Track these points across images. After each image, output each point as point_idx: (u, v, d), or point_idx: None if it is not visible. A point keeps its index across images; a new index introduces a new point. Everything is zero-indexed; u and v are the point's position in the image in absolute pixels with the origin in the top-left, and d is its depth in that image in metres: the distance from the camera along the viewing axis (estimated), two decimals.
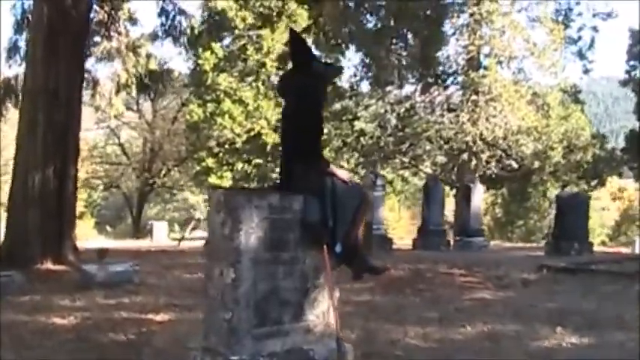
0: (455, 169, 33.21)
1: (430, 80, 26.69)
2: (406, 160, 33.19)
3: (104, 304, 8.43)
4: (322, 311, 5.33)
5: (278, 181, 5.52)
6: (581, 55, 31.51)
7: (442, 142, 30.64)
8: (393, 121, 31.78)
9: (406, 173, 37.10)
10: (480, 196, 19.09)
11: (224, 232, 4.89)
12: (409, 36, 27.05)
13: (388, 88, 31.31)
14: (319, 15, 26.41)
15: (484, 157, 30.83)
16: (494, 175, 30.61)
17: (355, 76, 31.57)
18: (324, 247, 5.17)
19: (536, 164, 30.65)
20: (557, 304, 9.29)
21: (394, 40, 27.57)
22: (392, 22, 23.87)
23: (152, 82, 27.64)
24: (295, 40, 5.51)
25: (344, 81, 31.05)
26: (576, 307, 9.03)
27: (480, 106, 29.40)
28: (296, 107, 5.21)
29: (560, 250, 15.57)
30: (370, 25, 27.59)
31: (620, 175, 35.78)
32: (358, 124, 32.84)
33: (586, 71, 31.68)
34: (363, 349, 6.22)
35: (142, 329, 6.97)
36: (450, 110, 31.16)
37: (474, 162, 30.62)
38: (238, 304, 4.84)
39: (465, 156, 30.69)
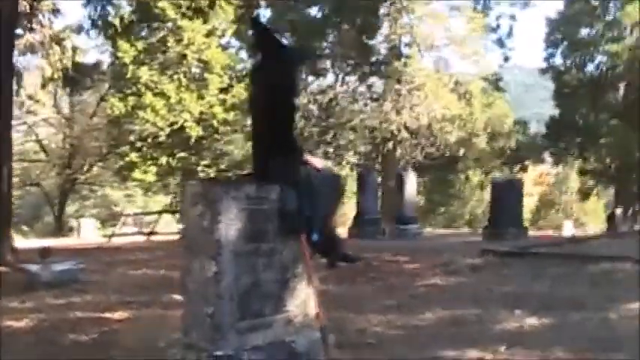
0: (379, 157, 33.52)
1: (366, 69, 26.67)
2: (330, 150, 33.23)
3: (55, 304, 8.15)
4: (301, 301, 5.25)
5: (250, 171, 5.38)
6: (500, 43, 32.10)
7: (367, 131, 30.82)
8: (317, 112, 31.81)
9: (329, 163, 37.06)
10: (414, 184, 19.20)
11: (203, 224, 4.74)
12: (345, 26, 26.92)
13: (311, 78, 31.33)
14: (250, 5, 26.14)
15: (408, 145, 31.24)
16: (417, 164, 30.96)
17: None
18: (302, 236, 5.08)
19: (461, 152, 31.13)
20: (510, 288, 9.38)
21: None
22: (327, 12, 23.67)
23: (80, 76, 26.89)
24: (259, 29, 5.35)
25: None
26: (530, 290, 9.13)
27: (404, 95, 29.71)
28: (268, 95, 5.08)
29: (497, 235, 15.78)
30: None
31: (542, 161, 36.67)
32: None
33: (506, 59, 32.28)
34: (334, 340, 6.14)
35: (102, 328, 6.76)
36: (373, 100, 31.42)
37: (399, 151, 30.96)
38: (221, 297, 4.71)
39: (390, 145, 30.99)
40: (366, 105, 30.82)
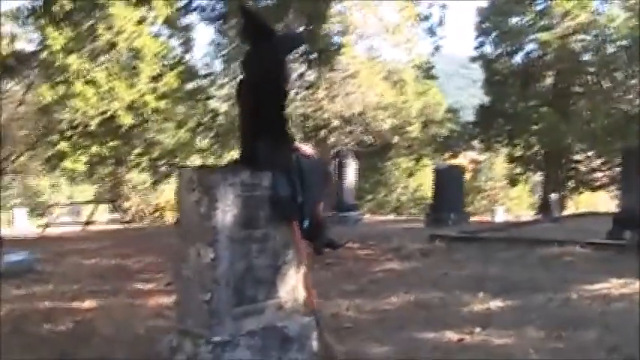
0: (309, 145, 33.57)
1: (313, 57, 26.62)
2: None
3: (20, 294, 7.99)
4: (291, 287, 5.29)
5: (239, 158, 5.37)
6: (431, 32, 32.47)
7: (301, 119, 30.87)
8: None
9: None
10: (353, 171, 19.32)
11: (199, 211, 4.74)
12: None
13: None
14: None
15: (341, 133, 31.45)
16: (350, 151, 31.07)
17: (208, 54, 31.24)
18: (294, 222, 5.13)
19: (395, 139, 31.45)
20: (467, 272, 9.59)
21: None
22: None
23: (19, 64, 26.14)
24: (248, 15, 5.33)
25: (197, 60, 30.75)
26: (485, 273, 9.35)
27: (338, 83, 29.87)
28: (259, 81, 5.08)
29: (439, 221, 16.03)
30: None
31: (473, 148, 37.30)
32: (212, 104, 32.60)
33: (437, 48, 32.67)
34: None
35: (76, 318, 6.67)
36: (306, 88, 31.50)
37: (332, 139, 31.14)
38: (218, 283, 4.72)
39: (323, 133, 31.14)
40: (298, 93, 30.79)
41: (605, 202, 49.37)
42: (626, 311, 7.16)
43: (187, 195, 4.81)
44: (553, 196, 24.79)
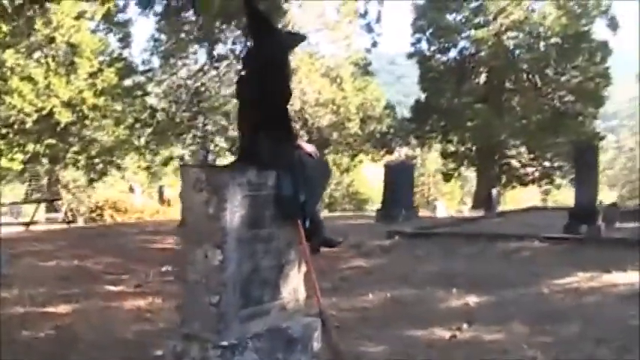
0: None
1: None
2: (200, 134, 32.82)
3: None
4: (293, 287, 5.25)
5: (240, 155, 5.29)
6: (369, 28, 32.46)
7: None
8: (186, 97, 31.39)
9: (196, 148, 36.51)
10: None
11: (208, 211, 4.64)
12: None
13: (181, 62, 30.89)
14: None
15: None
16: None
17: (146, 50, 30.79)
18: (298, 221, 5.08)
19: (335, 135, 31.50)
20: (434, 268, 9.66)
21: None
22: None
23: None
24: (251, 11, 5.24)
25: (134, 56, 30.35)
26: (452, 269, 9.45)
27: None
28: (261, 80, 5.01)
29: (391, 217, 16.08)
30: None
31: (409, 144, 37.57)
32: (150, 100, 32.19)
33: (374, 44, 32.65)
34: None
35: (54, 323, 6.49)
36: None
37: None
38: (226, 286, 4.64)
39: None
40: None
41: (530, 197, 50.68)
42: (600, 304, 7.34)
43: (194, 195, 4.70)
44: (494, 191, 25.17)
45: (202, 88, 31.30)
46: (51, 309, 7.16)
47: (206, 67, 31.44)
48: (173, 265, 9.60)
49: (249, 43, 5.81)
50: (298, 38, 5.41)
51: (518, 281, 8.43)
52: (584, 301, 7.47)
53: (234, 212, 4.66)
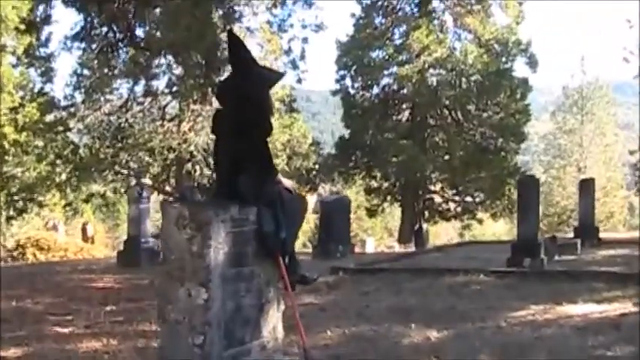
0: (169, 179, 33.03)
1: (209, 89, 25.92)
2: (124, 171, 32.16)
3: None
4: (273, 326, 5.15)
5: (218, 191, 5.15)
6: (294, 65, 32.56)
7: (166, 152, 30.25)
8: (110, 132, 30.81)
9: (118, 185, 35.63)
10: None
11: (192, 249, 4.51)
12: None
13: (105, 98, 30.34)
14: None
15: (204, 166, 31.10)
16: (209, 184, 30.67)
17: (69, 85, 30.13)
18: (280, 258, 4.98)
19: None
20: (386, 303, 9.57)
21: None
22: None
23: None
24: (234, 43, 5.14)
25: (57, 90, 29.68)
26: (405, 304, 9.38)
27: (203, 115, 29.52)
28: (243, 115, 4.90)
29: (328, 253, 15.99)
30: None
31: (333, 181, 37.65)
32: (72, 136, 31.48)
33: (299, 81, 32.73)
34: None
35: None
36: (169, 120, 30.99)
37: (198, 172, 30.74)
38: (210, 326, 4.51)
39: (189, 166, 30.69)
40: (162, 125, 30.21)
41: (446, 231, 51.47)
42: (560, 336, 7.38)
43: (177, 232, 4.56)
44: (425, 226, 25.40)
45: (126, 125, 30.75)
46: (2, 353, 6.81)
47: (129, 104, 30.94)
48: (117, 305, 9.32)
49: (222, 78, 5.60)
50: (279, 74, 5.31)
51: (475, 315, 8.42)
52: (544, 333, 7.49)
53: (218, 249, 4.55)
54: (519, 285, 10.53)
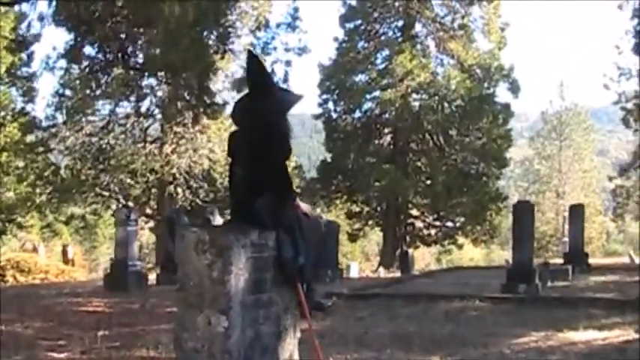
0: (150, 201, 32.83)
1: (201, 110, 25.79)
2: (106, 193, 31.89)
3: None
4: (289, 354, 5.02)
5: (235, 214, 5.02)
6: None
7: (148, 174, 30.07)
8: (92, 154, 30.55)
9: (98, 207, 35.31)
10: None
11: (212, 275, 4.37)
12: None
13: (90, 118, 30.14)
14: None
15: (187, 189, 30.94)
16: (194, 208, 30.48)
17: (50, 105, 29.91)
18: (299, 285, 4.86)
19: None
20: (384, 329, 9.44)
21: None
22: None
23: None
24: (254, 63, 5.03)
25: (38, 110, 29.47)
26: (404, 330, 9.25)
27: (187, 138, 29.43)
28: (261, 137, 4.79)
29: (317, 278, 15.81)
30: None
31: (314, 205, 37.49)
32: (54, 157, 31.23)
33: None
34: None
35: None
36: (152, 142, 30.85)
37: (181, 194, 30.56)
38: (230, 355, 4.37)
39: (171, 188, 30.53)
40: (144, 147, 30.07)
41: (425, 256, 51.44)
42: None
43: (197, 258, 4.42)
44: (410, 251, 25.34)
45: (108, 146, 30.52)
46: None
47: (111, 125, 30.75)
48: (110, 330, 9.14)
49: (237, 98, 5.49)
50: (297, 97, 5.19)
51: (477, 341, 8.31)
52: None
53: (239, 276, 4.43)
54: (516, 311, 10.46)
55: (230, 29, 20.28)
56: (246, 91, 5.25)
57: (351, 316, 10.82)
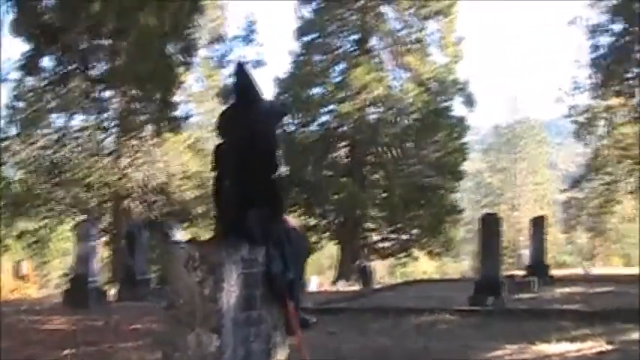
0: (105, 215, 32.36)
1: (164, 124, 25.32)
2: (60, 207, 31.34)
3: None
4: None
5: (222, 229, 4.90)
6: None
7: (104, 187, 29.66)
8: (45, 168, 30.02)
9: (52, 221, 34.67)
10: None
11: (203, 292, 4.26)
12: None
13: (44, 131, 29.64)
14: None
15: (142, 202, 30.60)
16: (151, 222, 30.11)
17: (2, 118, 29.32)
18: (288, 300, 4.76)
19: (201, 209, 30.86)
20: (357, 344, 9.36)
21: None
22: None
23: None
24: (242, 74, 4.92)
25: None
26: (379, 345, 9.19)
27: (143, 151, 29.11)
28: (250, 151, 4.69)
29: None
30: None
31: None
32: (6, 171, 30.60)
33: None
34: None
35: None
36: (107, 155, 30.46)
37: (138, 208, 30.20)
38: None
39: (126, 202, 30.16)
40: (99, 161, 29.64)
41: (377, 268, 51.32)
42: None
43: (187, 275, 4.30)
44: (371, 264, 25.29)
45: (62, 160, 30.01)
46: None
47: (65, 138, 30.25)
48: (77, 349, 8.92)
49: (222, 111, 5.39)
50: (285, 109, 5.09)
51: (454, 355, 8.30)
52: None
53: (231, 293, 4.33)
54: (487, 324, 10.46)
55: (193, 42, 20.09)
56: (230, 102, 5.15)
57: (321, 331, 10.65)
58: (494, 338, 9.24)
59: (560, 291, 15.03)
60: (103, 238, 33.46)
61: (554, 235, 55.83)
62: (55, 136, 30.01)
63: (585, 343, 8.76)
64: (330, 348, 9.19)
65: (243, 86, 4.85)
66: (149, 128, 27.34)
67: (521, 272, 18.90)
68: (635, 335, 9.07)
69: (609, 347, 8.39)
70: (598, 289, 14.92)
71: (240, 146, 4.73)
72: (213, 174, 4.98)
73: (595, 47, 27.83)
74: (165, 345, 4.44)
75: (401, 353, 8.53)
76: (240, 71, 4.96)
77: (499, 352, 8.44)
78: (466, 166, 55.51)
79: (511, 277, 14.66)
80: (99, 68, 21.83)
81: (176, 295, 4.38)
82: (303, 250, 4.97)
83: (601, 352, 8.15)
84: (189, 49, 19.84)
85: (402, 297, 15.27)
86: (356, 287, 22.65)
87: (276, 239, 4.68)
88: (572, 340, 8.94)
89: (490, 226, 12.36)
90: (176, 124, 25.19)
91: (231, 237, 4.62)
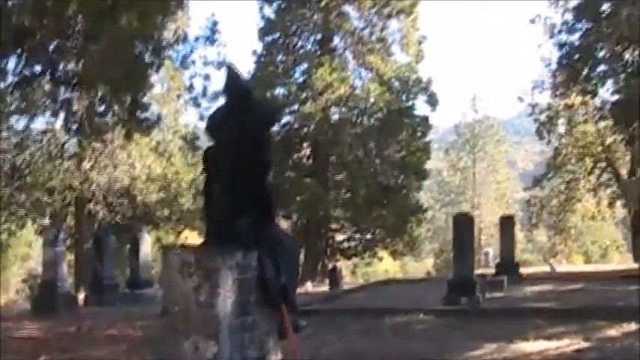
0: (66, 219, 31.96)
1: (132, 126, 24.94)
2: (22, 211, 30.87)
3: None
4: None
5: (213, 234, 4.82)
6: (196, 102, 32.24)
7: (67, 191, 29.25)
8: (5, 172, 29.52)
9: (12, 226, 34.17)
10: (148, 246, 18.50)
11: (199, 299, 4.20)
12: None
13: (3, 135, 29.13)
14: None
15: (105, 206, 30.27)
16: (115, 226, 29.81)
17: None
18: (282, 305, 4.71)
19: (166, 212, 30.64)
20: (336, 347, 9.30)
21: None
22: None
23: None
24: (233, 77, 4.84)
25: None
26: (356, 347, 9.16)
27: (106, 154, 28.78)
28: (243, 155, 4.62)
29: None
30: None
31: None
32: None
33: (201, 118, 32.33)
34: None
35: None
36: (69, 158, 30.06)
37: (99, 212, 29.85)
38: None
39: (91, 205, 29.79)
40: (61, 164, 29.21)
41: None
42: None
43: (182, 281, 4.24)
44: (338, 265, 25.29)
45: (23, 163, 29.54)
46: None
47: (26, 142, 29.78)
48: (50, 356, 8.77)
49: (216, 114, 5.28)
50: (277, 113, 5.04)
51: (434, 356, 8.29)
52: None
53: (226, 298, 4.27)
54: (463, 324, 10.49)
55: (163, 42, 19.88)
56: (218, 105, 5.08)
57: (299, 334, 10.63)
58: (473, 338, 9.26)
59: (530, 289, 15.11)
60: (67, 242, 33.13)
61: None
62: (16, 139, 29.53)
63: (562, 340, 8.82)
64: (308, 350, 9.12)
65: (234, 89, 4.78)
66: (117, 130, 27.02)
67: (490, 271, 19.01)
68: (610, 332, 9.16)
69: (586, 345, 8.45)
70: (569, 287, 15.05)
71: (232, 149, 4.67)
72: (202, 177, 4.92)
73: (560, 46, 28.04)
74: (160, 352, 4.36)
75: (379, 355, 8.51)
76: (231, 73, 4.88)
77: (479, 352, 8.45)
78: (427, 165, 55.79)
79: (482, 276, 14.72)
80: (67, 70, 21.49)
81: (171, 302, 4.31)
82: (296, 255, 4.91)
83: (579, 350, 8.22)
84: (160, 49, 19.63)
85: (375, 298, 15.25)
86: (324, 288, 22.59)
87: (269, 244, 4.62)
88: (550, 338, 9.00)
89: (463, 225, 12.39)
90: (146, 126, 24.91)
91: (223, 242, 4.56)
